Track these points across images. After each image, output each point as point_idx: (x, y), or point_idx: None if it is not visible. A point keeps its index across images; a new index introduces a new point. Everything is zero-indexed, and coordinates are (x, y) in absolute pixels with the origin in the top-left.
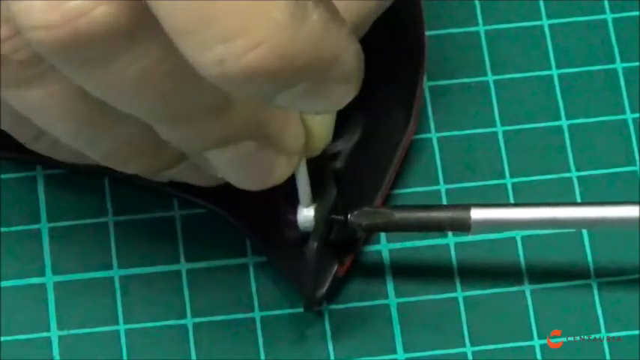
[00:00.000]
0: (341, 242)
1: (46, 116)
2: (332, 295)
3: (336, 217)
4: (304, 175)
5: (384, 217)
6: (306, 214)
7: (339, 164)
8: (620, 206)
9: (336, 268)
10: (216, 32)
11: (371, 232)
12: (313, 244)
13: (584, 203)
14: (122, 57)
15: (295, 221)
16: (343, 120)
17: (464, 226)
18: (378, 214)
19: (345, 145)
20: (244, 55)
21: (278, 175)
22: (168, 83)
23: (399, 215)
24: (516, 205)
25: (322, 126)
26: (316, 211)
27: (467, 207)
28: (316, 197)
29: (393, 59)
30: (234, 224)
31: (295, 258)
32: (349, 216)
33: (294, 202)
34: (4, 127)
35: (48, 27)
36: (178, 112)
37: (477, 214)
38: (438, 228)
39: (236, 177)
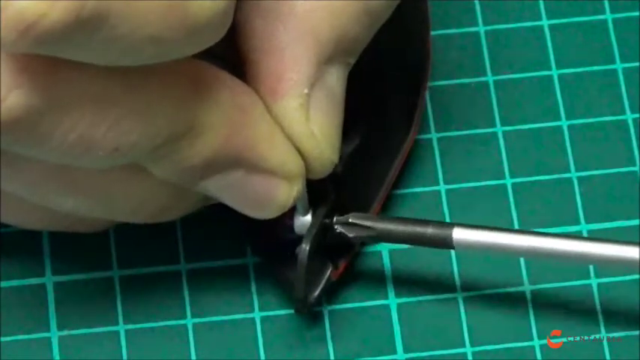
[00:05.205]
0: (336, 246)
1: (47, 193)
2: (324, 299)
3: (326, 221)
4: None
5: (367, 226)
6: (303, 220)
7: (338, 168)
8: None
9: (329, 271)
10: None
11: (356, 239)
12: (305, 247)
13: (572, 236)
14: (56, 132)
15: (291, 225)
16: (344, 124)
17: (445, 244)
18: (362, 221)
19: (345, 149)
20: None
21: (281, 200)
22: (114, 136)
23: (381, 226)
24: (501, 229)
25: (322, 148)
26: (312, 215)
27: (450, 225)
28: (314, 201)
29: (398, 64)
30: (233, 222)
31: (289, 260)
32: (334, 220)
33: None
34: (39, 226)
35: None
36: (145, 153)
37: (459, 233)
38: (420, 243)
39: (241, 206)
